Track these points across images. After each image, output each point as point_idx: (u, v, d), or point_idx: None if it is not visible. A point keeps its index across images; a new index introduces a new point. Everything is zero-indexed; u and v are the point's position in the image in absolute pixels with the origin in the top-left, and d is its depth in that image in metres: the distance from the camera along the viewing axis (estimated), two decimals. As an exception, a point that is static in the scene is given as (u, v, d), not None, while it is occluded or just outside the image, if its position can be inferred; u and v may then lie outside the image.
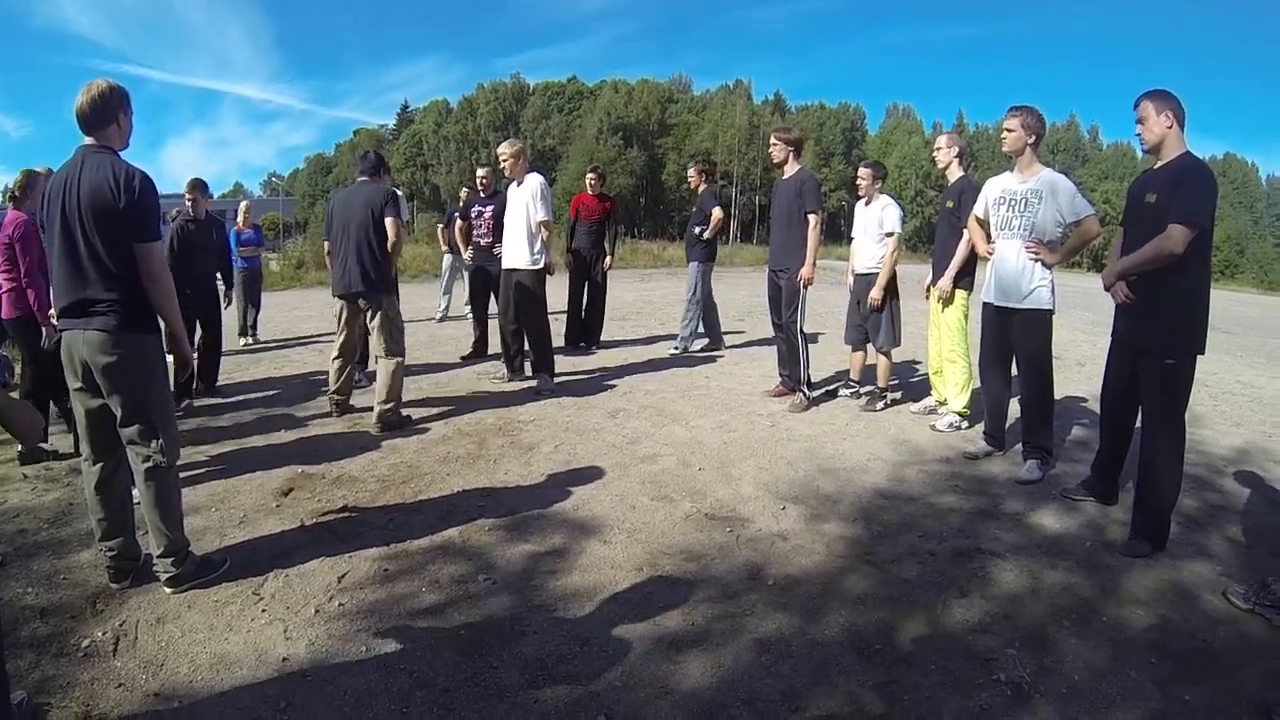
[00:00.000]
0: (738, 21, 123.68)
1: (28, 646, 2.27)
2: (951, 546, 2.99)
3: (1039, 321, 3.58)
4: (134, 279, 2.43)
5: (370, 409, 4.73)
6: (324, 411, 4.96)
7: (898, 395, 5.32)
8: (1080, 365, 7.16)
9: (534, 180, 5.28)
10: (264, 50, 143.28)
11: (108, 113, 2.44)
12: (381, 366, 4.73)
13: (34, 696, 2.01)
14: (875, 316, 4.82)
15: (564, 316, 7.30)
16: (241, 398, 5.71)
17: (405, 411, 4.86)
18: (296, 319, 9.50)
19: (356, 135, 71.00)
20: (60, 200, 2.40)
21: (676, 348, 7.01)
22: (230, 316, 6.59)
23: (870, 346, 5.02)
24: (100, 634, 2.36)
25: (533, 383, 5.63)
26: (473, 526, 3.15)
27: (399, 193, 4.96)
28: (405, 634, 2.35)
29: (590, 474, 3.79)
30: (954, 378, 4.49)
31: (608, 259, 7.16)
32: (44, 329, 3.84)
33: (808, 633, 2.33)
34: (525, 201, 5.25)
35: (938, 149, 4.63)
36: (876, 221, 4.85)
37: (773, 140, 4.88)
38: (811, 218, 4.68)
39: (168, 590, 2.60)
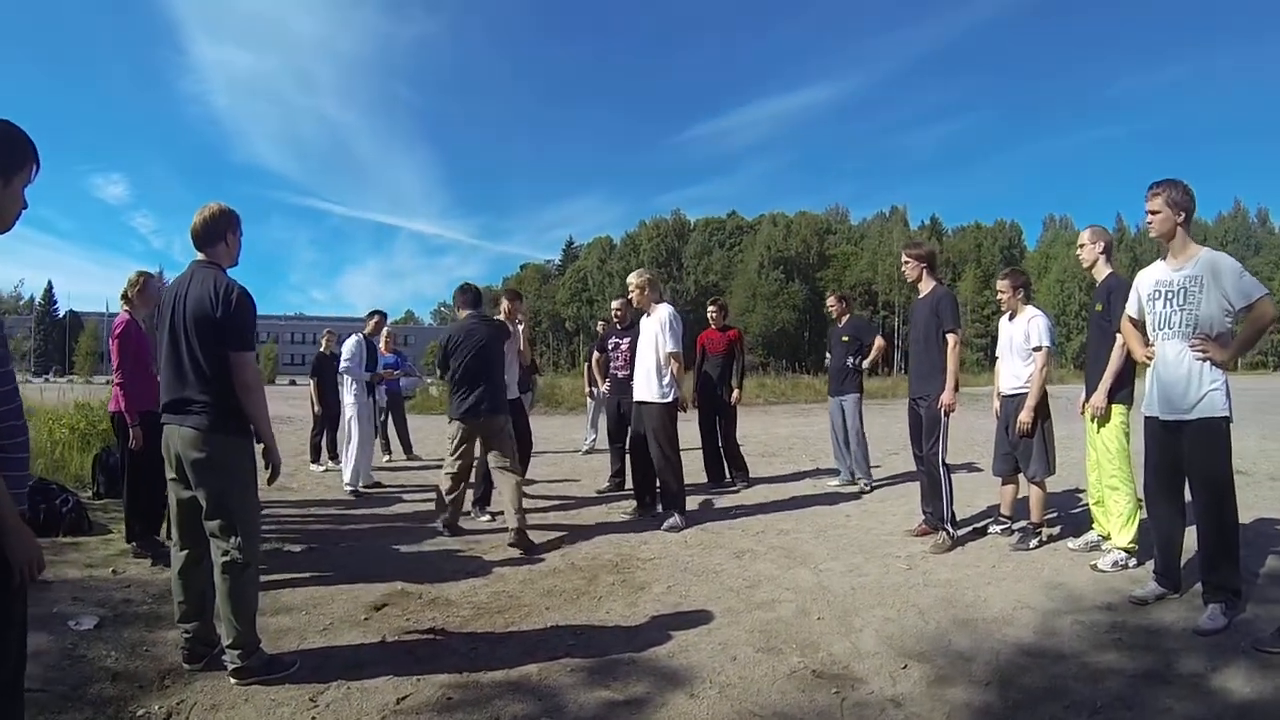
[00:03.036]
0: (890, 149, 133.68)
1: (90, 704, 2.62)
2: None
3: (1213, 433, 3.32)
4: (228, 385, 2.91)
5: (484, 532, 5.03)
6: (442, 532, 5.37)
7: (1055, 531, 5.08)
8: (1273, 481, 6.54)
9: (663, 311, 5.61)
10: (435, 188, 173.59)
11: (217, 232, 3.05)
12: (506, 486, 5.08)
13: None
14: (1025, 442, 4.68)
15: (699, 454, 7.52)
16: (370, 510, 6.36)
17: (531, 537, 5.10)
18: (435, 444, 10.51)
19: (523, 270, 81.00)
20: (170, 307, 3.00)
21: (865, 483, 7.00)
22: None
23: (1022, 477, 4.88)
24: (157, 707, 2.63)
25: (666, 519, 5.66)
26: (555, 665, 3.10)
27: (509, 324, 5.79)
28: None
29: (697, 619, 3.62)
30: (1116, 508, 4.27)
31: (735, 392, 7.32)
32: (130, 429, 4.40)
33: None
34: (654, 333, 5.58)
35: (1080, 245, 4.51)
36: (1023, 335, 4.75)
37: (904, 257, 5.02)
38: (950, 337, 4.69)
39: (232, 680, 2.86)
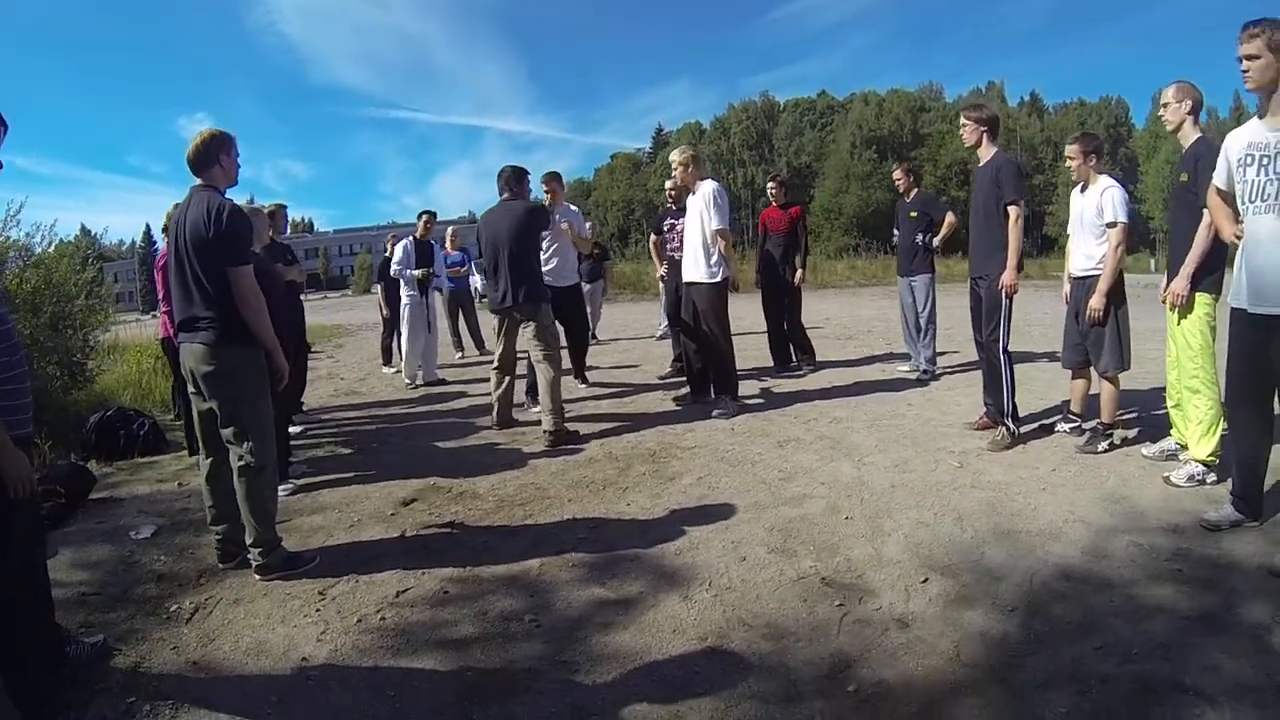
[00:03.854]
0: (988, 20, 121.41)
1: (133, 602, 2.98)
2: (1137, 673, 2.20)
3: None
4: (231, 300, 3.04)
5: (533, 424, 5.20)
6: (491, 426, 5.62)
7: (1130, 434, 4.61)
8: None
9: (707, 187, 5.38)
10: (520, 86, 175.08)
11: (210, 156, 3.12)
12: (540, 380, 5.19)
13: (112, 642, 2.63)
14: (1097, 332, 4.26)
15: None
16: (428, 408, 6.72)
17: (571, 427, 5.26)
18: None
19: (614, 159, 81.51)
20: (174, 233, 3.13)
21: (924, 371, 6.73)
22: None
23: (1094, 370, 4.49)
24: (188, 603, 2.97)
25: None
26: (558, 560, 3.22)
27: (544, 202, 5.47)
28: (418, 662, 2.49)
29: (717, 514, 3.62)
30: (1196, 414, 3.82)
31: (799, 272, 7.08)
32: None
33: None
34: (699, 211, 5.37)
35: (1164, 105, 3.85)
36: (1094, 209, 4.20)
37: (962, 120, 4.59)
38: (1011, 209, 4.30)
39: (255, 577, 3.16)
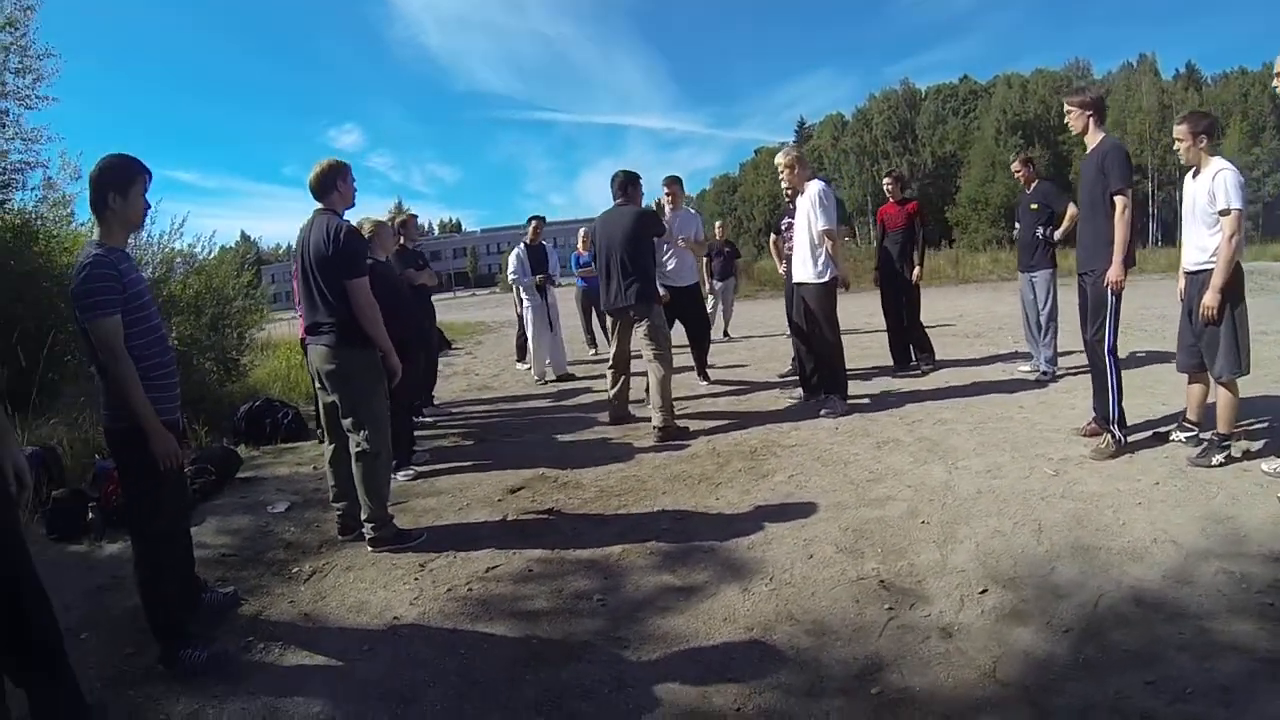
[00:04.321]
0: None
1: (264, 564, 3.53)
2: (1186, 713, 2.05)
3: None
4: (347, 309, 3.50)
5: (646, 419, 5.45)
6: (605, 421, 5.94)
7: (1254, 446, 4.13)
8: None
9: (814, 188, 5.40)
10: (660, 83, 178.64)
11: (329, 183, 3.62)
12: (652, 378, 5.42)
13: (240, 595, 3.14)
14: (1211, 332, 3.92)
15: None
16: (553, 403, 7.15)
17: (682, 423, 5.46)
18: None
19: (758, 154, 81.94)
20: (300, 250, 3.65)
21: (1044, 372, 6.37)
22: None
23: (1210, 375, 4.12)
24: (307, 567, 3.47)
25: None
26: (639, 548, 3.43)
27: (654, 208, 5.63)
28: (491, 628, 2.78)
29: (799, 511, 3.68)
30: None
31: (916, 269, 6.87)
32: None
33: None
34: (806, 211, 5.41)
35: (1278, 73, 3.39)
36: (1207, 196, 3.81)
37: (1066, 106, 4.31)
38: (1118, 199, 4.04)
39: (368, 549, 3.62)
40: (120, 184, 2.61)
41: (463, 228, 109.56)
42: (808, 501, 3.83)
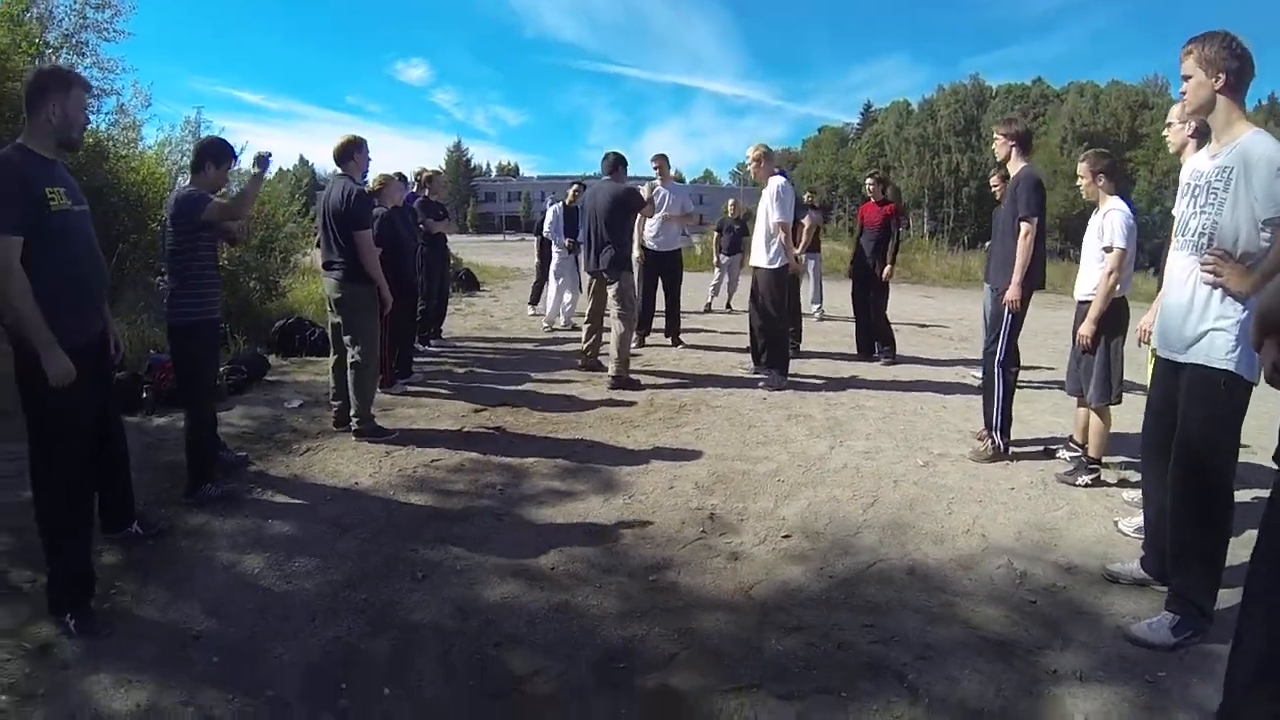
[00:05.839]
0: (1229, 7, 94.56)
1: (272, 441, 4.84)
2: (876, 653, 2.69)
3: (1208, 389, 2.72)
4: (353, 252, 4.73)
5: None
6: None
7: (1133, 476, 4.35)
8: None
9: (774, 183, 6.33)
10: (734, 49, 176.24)
11: (346, 154, 4.87)
12: (614, 333, 6.53)
13: (250, 459, 4.44)
14: (1088, 360, 4.37)
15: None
16: (547, 348, 8.34)
17: (637, 376, 6.59)
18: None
19: (821, 132, 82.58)
20: (322, 204, 4.89)
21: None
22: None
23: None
24: (304, 446, 4.77)
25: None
26: (547, 462, 4.55)
27: (639, 189, 6.65)
28: (418, 498, 4.00)
29: (685, 455, 4.72)
30: None
31: (888, 267, 7.69)
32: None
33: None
34: (765, 204, 6.37)
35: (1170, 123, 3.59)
36: (1097, 232, 4.34)
37: (995, 134, 4.84)
38: (1023, 225, 4.53)
39: (352, 437, 4.88)
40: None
41: (520, 172, 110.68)
42: (696, 450, 4.87)
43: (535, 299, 10.87)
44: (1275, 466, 2.08)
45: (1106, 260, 4.24)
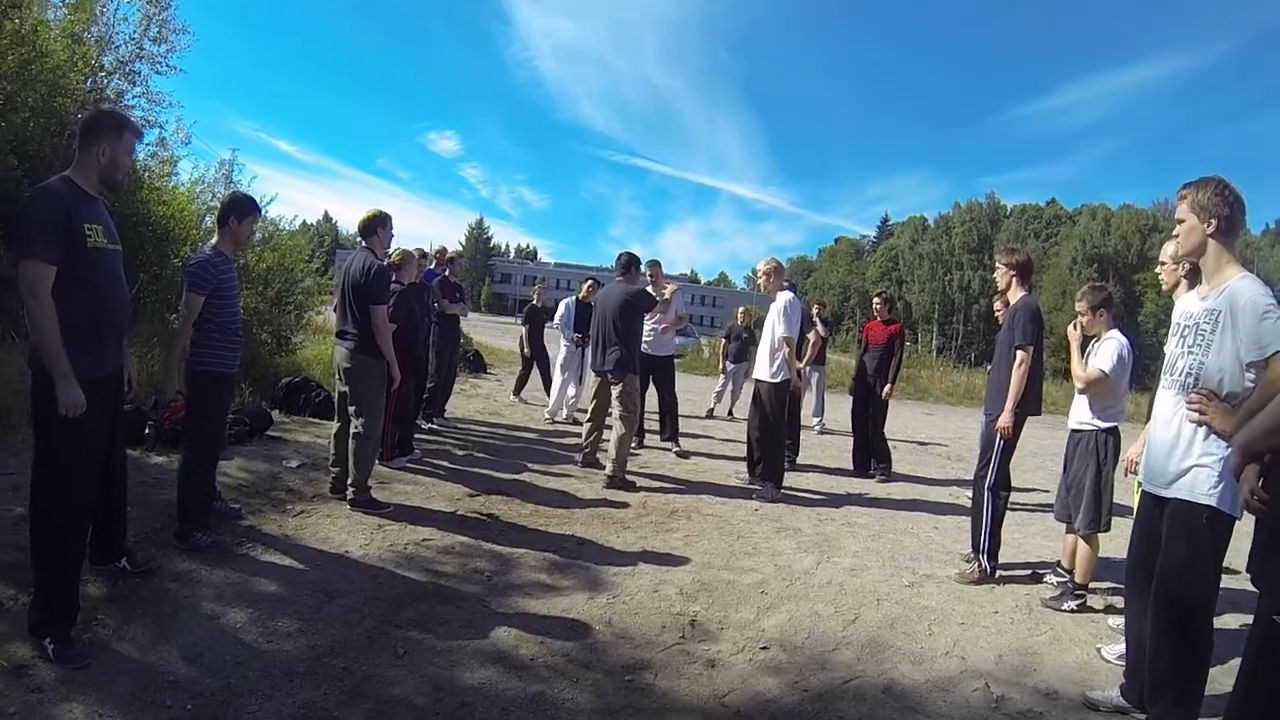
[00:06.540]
0: (1241, 134, 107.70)
1: (267, 498, 4.96)
2: None
3: (1190, 525, 2.83)
4: (367, 325, 4.96)
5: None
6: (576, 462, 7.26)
7: (1111, 601, 4.56)
8: None
9: (782, 298, 6.65)
10: (758, 154, 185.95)
11: (370, 229, 5.20)
12: (614, 434, 6.67)
13: (244, 513, 4.54)
14: (1078, 487, 4.51)
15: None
16: (548, 439, 8.47)
17: (633, 478, 6.69)
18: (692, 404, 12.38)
19: (837, 243, 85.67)
20: (342, 273, 5.16)
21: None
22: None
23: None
24: (299, 508, 4.88)
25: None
26: (537, 554, 4.62)
27: (649, 290, 6.98)
28: (407, 573, 4.07)
29: (672, 561, 4.78)
30: None
31: (888, 386, 7.93)
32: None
33: None
34: (773, 318, 6.67)
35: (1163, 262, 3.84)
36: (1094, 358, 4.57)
37: (997, 263, 5.09)
38: (1019, 354, 4.70)
39: (347, 506, 4.98)
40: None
41: (538, 256, 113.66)
42: (684, 556, 4.93)
43: (520, 389, 11.16)
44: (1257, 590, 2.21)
45: (1087, 373, 4.52)
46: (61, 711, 2.53)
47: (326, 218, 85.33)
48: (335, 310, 5.71)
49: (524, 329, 11.03)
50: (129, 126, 3.13)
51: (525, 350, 10.94)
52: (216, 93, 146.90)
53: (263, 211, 4.49)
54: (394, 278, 5.98)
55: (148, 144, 9.18)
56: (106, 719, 2.53)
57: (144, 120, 8.98)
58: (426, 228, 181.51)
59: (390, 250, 5.87)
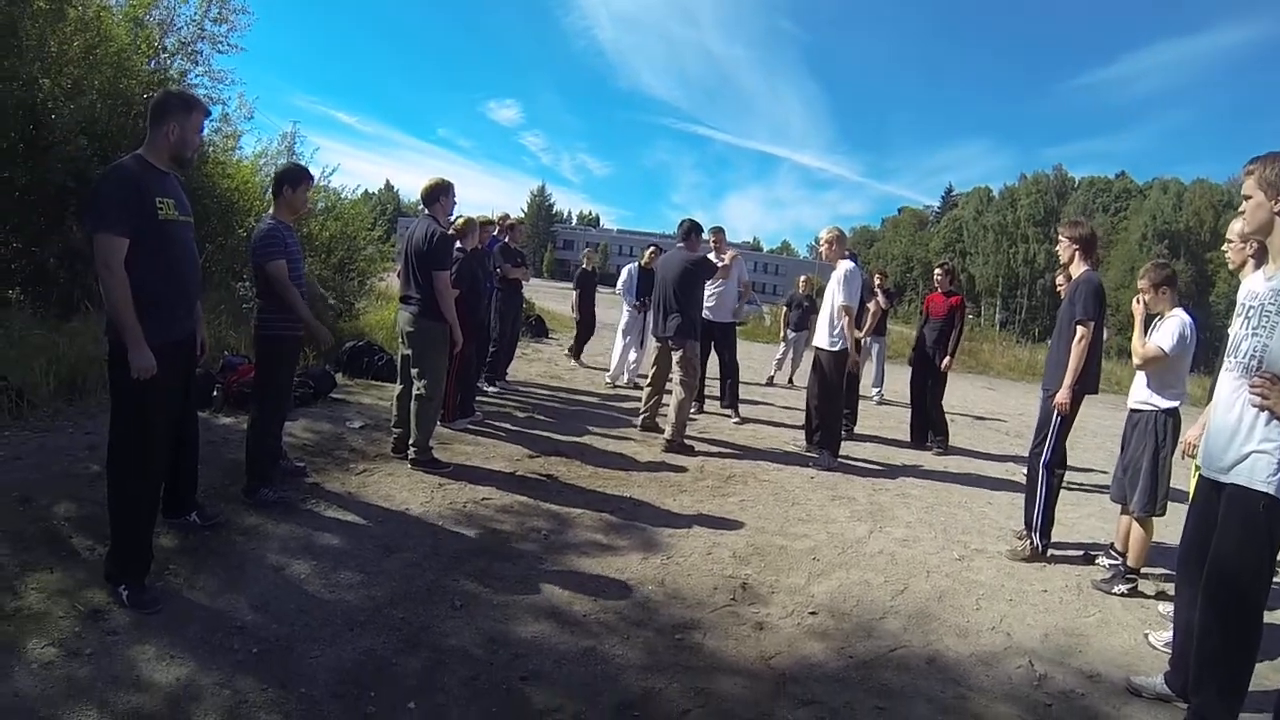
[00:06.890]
0: None
1: (331, 457, 5.12)
2: None
3: (1246, 511, 2.71)
4: (430, 290, 5.02)
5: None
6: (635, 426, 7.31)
7: (1164, 588, 4.40)
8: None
9: (843, 266, 6.50)
10: (821, 122, 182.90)
11: (433, 197, 5.20)
12: (674, 398, 6.68)
13: (308, 471, 4.69)
14: (1134, 468, 4.38)
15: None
16: (607, 402, 8.54)
17: (691, 442, 6.70)
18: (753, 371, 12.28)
19: (900, 213, 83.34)
20: (406, 240, 5.22)
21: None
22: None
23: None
24: (361, 466, 5.02)
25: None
26: (594, 514, 4.69)
27: (710, 257, 6.89)
28: (466, 530, 4.18)
29: (727, 525, 4.81)
30: None
31: (948, 359, 7.69)
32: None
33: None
34: (833, 286, 6.54)
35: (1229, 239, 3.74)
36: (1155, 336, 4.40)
37: (1060, 235, 4.91)
38: (1079, 328, 4.58)
39: (408, 465, 5.11)
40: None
41: (600, 223, 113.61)
42: (739, 520, 4.94)
43: (578, 354, 11.23)
44: None
45: (1146, 352, 4.38)
46: (135, 652, 2.69)
47: (388, 186, 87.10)
48: (399, 276, 5.82)
49: (575, 293, 11.12)
50: (197, 105, 3.27)
51: (576, 314, 11.02)
52: (277, 69, 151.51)
53: (314, 179, 4.55)
54: (457, 244, 6.07)
55: (212, 120, 9.43)
56: (177, 660, 2.68)
57: (208, 98, 9.21)
58: (488, 195, 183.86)
59: (453, 217, 5.94)
